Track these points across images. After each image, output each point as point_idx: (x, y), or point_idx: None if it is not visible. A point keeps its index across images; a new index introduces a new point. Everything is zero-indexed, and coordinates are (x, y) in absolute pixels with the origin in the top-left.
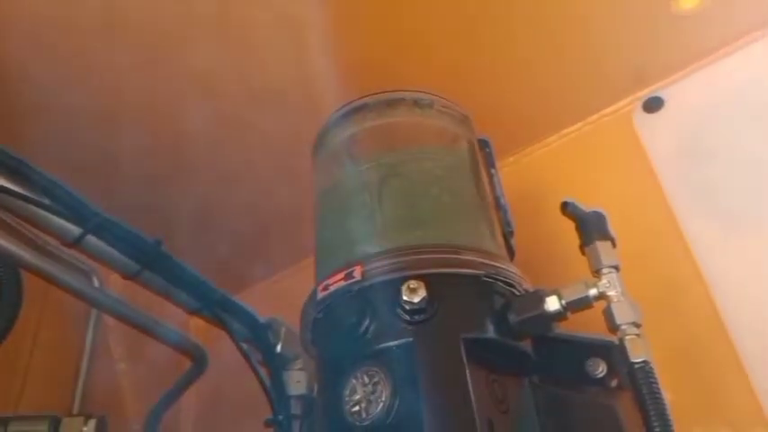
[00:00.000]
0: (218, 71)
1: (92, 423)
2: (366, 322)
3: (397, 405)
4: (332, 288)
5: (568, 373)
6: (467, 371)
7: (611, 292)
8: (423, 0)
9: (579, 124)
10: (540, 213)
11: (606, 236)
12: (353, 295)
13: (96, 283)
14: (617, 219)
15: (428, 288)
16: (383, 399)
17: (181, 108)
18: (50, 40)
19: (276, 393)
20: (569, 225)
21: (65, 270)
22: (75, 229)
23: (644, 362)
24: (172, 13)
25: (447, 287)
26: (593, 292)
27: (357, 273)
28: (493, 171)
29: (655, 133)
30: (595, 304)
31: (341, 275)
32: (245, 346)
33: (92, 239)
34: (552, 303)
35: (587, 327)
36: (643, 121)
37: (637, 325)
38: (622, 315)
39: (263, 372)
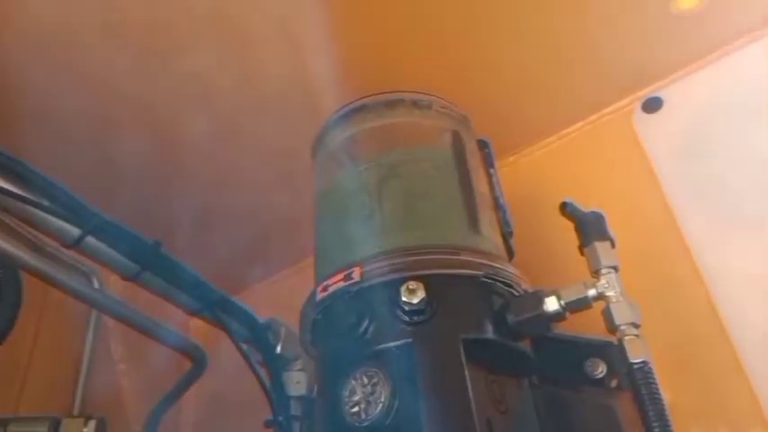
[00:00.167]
0: (217, 74)
1: (92, 424)
2: (365, 323)
3: (396, 406)
4: (331, 289)
5: (567, 374)
6: (466, 371)
7: (609, 293)
8: (422, 0)
9: (579, 124)
10: (539, 214)
11: (605, 236)
12: (353, 296)
13: (96, 285)
14: (616, 219)
15: (427, 289)
16: (382, 399)
17: (180, 111)
18: (49, 44)
19: (276, 394)
20: (568, 225)
21: (64, 271)
22: (74, 231)
23: (643, 362)
24: (171, 18)
25: (446, 288)
26: (592, 292)
27: (356, 274)
28: (492, 171)
29: (654, 133)
30: (594, 305)
31: (340, 276)
32: (244, 346)
33: (91, 240)
34: (551, 304)
35: (586, 327)
36: (642, 121)
37: (636, 325)
38: (621, 315)
39: (262, 372)
